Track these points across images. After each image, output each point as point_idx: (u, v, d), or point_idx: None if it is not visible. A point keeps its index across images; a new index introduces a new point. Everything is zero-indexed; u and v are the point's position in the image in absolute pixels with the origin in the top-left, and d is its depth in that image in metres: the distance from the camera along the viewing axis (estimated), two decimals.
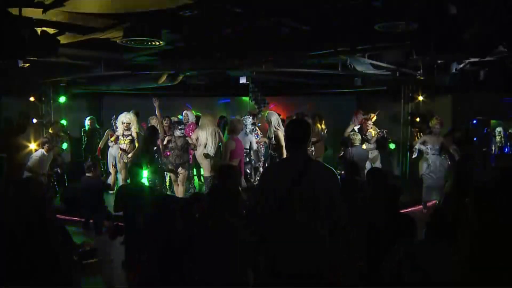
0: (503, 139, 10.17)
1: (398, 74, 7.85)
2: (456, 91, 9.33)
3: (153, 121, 8.02)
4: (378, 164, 8.19)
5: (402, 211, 4.78)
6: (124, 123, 8.21)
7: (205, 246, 3.28)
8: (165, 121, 7.88)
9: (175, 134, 7.29)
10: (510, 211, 2.64)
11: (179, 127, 7.28)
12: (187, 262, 3.46)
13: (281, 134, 7.10)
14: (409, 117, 9.75)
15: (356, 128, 8.01)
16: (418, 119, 9.03)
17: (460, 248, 2.72)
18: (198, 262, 3.32)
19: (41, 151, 7.33)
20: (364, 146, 7.51)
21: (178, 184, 7.39)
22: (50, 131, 8.65)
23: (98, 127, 10.00)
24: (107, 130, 9.03)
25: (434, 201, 7.50)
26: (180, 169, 7.29)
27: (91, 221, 6.62)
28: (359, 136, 6.77)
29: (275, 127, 7.28)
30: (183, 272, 3.47)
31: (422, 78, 8.06)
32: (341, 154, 7.66)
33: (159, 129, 7.35)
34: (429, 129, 8.05)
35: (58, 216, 6.14)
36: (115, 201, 4.85)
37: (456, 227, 2.69)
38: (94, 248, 5.46)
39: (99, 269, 5.02)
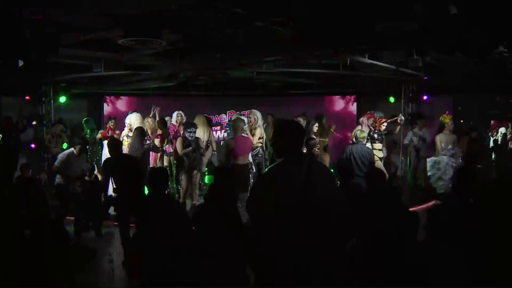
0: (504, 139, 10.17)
1: (398, 74, 7.85)
2: (457, 91, 9.35)
3: (150, 120, 8.08)
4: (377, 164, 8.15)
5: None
6: (126, 123, 8.21)
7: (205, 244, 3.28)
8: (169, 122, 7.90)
9: (187, 137, 7.11)
10: None
11: (188, 130, 7.12)
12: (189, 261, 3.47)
13: (258, 133, 7.21)
14: (409, 117, 9.75)
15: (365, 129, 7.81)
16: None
17: (466, 248, 2.73)
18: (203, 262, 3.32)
19: (71, 150, 6.62)
20: (378, 146, 7.42)
21: (189, 187, 7.25)
22: (53, 131, 8.65)
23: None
24: (101, 130, 9.00)
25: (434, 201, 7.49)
26: (194, 172, 7.20)
27: (91, 222, 6.61)
28: (364, 134, 6.68)
29: (258, 125, 7.31)
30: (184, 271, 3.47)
31: (424, 78, 8.07)
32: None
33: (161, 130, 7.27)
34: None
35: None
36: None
37: (459, 227, 2.69)
38: (94, 248, 5.47)
39: (99, 269, 5.02)
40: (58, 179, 6.59)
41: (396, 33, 4.92)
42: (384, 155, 8.06)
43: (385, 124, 7.76)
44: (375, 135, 7.55)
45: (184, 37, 5.81)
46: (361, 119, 8.31)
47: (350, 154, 6.30)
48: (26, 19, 4.56)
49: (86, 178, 6.74)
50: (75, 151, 6.56)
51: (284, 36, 5.68)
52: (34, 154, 9.19)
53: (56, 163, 6.57)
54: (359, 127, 8.15)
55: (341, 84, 10.34)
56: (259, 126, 7.30)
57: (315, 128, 7.85)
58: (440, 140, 7.63)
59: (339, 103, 12.09)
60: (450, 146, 7.49)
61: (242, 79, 9.56)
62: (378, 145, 7.60)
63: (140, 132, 6.98)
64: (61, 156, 6.56)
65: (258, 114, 7.37)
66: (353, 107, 12.04)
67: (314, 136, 7.58)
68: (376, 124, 7.67)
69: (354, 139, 6.68)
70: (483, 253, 2.81)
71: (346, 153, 6.43)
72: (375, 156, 7.13)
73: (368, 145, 7.29)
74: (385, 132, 7.87)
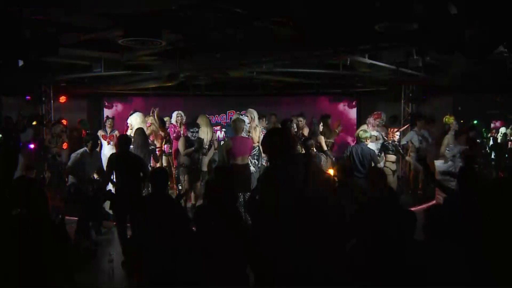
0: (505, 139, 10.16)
1: (398, 74, 7.85)
2: (457, 91, 9.34)
3: (150, 120, 8.10)
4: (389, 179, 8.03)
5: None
6: (128, 124, 8.21)
7: (206, 244, 3.28)
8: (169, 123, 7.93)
9: (190, 137, 7.03)
10: None
11: (191, 130, 7.11)
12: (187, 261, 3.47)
13: (258, 131, 7.20)
14: (409, 118, 9.76)
15: (374, 132, 7.62)
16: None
17: (466, 248, 2.73)
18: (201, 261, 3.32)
19: (83, 149, 6.22)
20: (391, 158, 7.28)
21: (193, 187, 7.25)
22: (53, 131, 8.67)
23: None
24: (99, 131, 8.99)
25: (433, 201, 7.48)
26: (195, 172, 7.19)
27: (91, 222, 6.61)
28: (367, 134, 6.61)
29: (256, 124, 7.31)
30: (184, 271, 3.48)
31: (423, 78, 8.07)
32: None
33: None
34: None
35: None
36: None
37: (459, 227, 2.69)
38: (94, 248, 5.47)
39: (99, 269, 5.02)
40: (71, 179, 6.37)
41: (396, 33, 4.92)
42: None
43: (398, 133, 7.61)
44: (389, 146, 7.36)
45: (184, 37, 5.81)
46: (368, 119, 8.25)
47: (349, 154, 6.32)
48: (26, 19, 4.56)
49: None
50: (87, 149, 6.26)
51: (284, 36, 5.68)
52: (34, 154, 9.19)
53: (69, 163, 6.30)
54: (364, 126, 8.12)
55: (341, 84, 10.34)
56: (257, 125, 7.30)
57: (321, 127, 7.84)
58: (448, 141, 7.56)
59: (339, 104, 12.10)
60: (457, 148, 7.47)
61: (242, 79, 9.57)
62: (391, 157, 7.33)
63: (141, 133, 7.00)
64: (74, 156, 6.25)
65: (255, 113, 7.38)
66: (353, 107, 12.06)
67: (322, 136, 7.58)
68: (390, 135, 7.47)
69: (358, 138, 6.64)
70: (483, 253, 2.81)
71: (346, 153, 6.44)
72: (388, 169, 6.96)
73: (374, 147, 7.21)
74: (399, 144, 7.70)
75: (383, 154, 7.26)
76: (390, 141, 7.41)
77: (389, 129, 7.67)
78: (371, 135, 6.87)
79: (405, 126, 8.62)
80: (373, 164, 6.22)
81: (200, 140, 7.13)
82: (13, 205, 3.63)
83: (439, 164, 7.68)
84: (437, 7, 4.16)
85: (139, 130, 7.12)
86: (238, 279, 3.24)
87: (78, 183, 6.18)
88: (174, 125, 8.44)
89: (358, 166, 6.12)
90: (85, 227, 6.14)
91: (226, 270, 3.22)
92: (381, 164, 6.80)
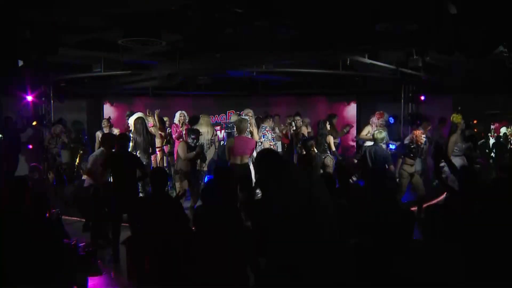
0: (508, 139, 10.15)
1: (398, 74, 7.85)
2: (457, 91, 9.34)
3: (151, 120, 8.09)
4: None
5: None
6: (129, 124, 8.19)
7: (206, 244, 3.28)
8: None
9: (190, 143, 6.88)
10: None
11: (192, 136, 7.05)
12: (186, 262, 3.47)
13: (256, 131, 7.15)
14: (409, 118, 9.75)
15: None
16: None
17: (466, 248, 2.73)
18: (198, 262, 3.32)
19: (100, 150, 6.04)
20: (410, 161, 7.18)
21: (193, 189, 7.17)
22: (53, 131, 8.68)
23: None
24: (97, 132, 8.97)
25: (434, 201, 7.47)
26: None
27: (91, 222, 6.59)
28: (383, 135, 6.53)
29: (253, 123, 7.29)
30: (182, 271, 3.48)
31: (422, 78, 8.07)
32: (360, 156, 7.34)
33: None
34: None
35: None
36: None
37: (459, 226, 2.69)
38: (94, 248, 5.46)
39: (99, 269, 5.01)
40: (88, 180, 6.19)
41: (396, 33, 4.92)
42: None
43: (424, 136, 7.42)
44: (413, 149, 7.20)
45: (184, 37, 5.81)
46: (371, 119, 8.18)
47: (363, 154, 6.33)
48: (26, 19, 4.57)
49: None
50: (104, 150, 6.01)
51: (284, 36, 5.69)
52: (34, 154, 9.20)
53: (88, 165, 6.15)
54: (368, 127, 8.08)
55: (341, 84, 10.34)
56: (254, 124, 7.29)
57: (328, 127, 7.82)
58: (456, 141, 7.48)
59: (338, 104, 12.09)
60: (461, 146, 7.44)
61: (242, 79, 9.59)
62: (410, 160, 7.21)
63: (142, 121, 7.00)
64: (92, 157, 6.10)
65: (251, 112, 7.40)
66: (352, 107, 12.06)
67: (332, 136, 7.56)
68: (418, 139, 7.25)
69: (373, 138, 6.61)
70: (483, 253, 2.81)
71: (361, 153, 6.46)
72: (404, 172, 6.86)
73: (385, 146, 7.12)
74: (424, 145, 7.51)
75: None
76: (414, 145, 7.19)
77: (415, 131, 7.49)
78: (386, 135, 6.83)
79: (429, 127, 8.51)
80: (386, 166, 6.23)
81: (202, 146, 7.10)
82: (13, 205, 3.64)
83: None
84: (437, 7, 4.16)
85: (140, 119, 7.10)
86: (238, 279, 3.24)
87: (94, 183, 6.03)
88: (176, 124, 8.38)
89: (370, 167, 6.14)
90: (101, 227, 6.07)
91: (226, 270, 3.22)
92: (393, 167, 6.74)
